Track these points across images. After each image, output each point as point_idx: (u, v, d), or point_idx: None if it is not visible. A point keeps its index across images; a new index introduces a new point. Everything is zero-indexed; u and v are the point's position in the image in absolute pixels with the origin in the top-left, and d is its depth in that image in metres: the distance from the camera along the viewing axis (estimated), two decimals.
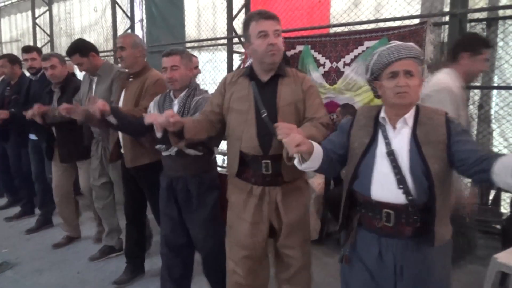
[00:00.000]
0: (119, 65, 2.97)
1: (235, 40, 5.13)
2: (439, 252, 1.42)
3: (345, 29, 3.92)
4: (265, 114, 1.77)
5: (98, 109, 2.14)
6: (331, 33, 4.11)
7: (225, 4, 5.21)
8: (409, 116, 1.42)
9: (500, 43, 3.33)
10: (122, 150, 2.59)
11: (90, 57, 2.81)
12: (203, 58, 5.80)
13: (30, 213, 4.16)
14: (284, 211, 1.86)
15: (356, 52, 3.73)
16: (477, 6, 3.29)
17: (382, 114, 1.47)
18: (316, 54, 3.96)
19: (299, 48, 4.09)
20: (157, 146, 2.23)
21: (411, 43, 1.42)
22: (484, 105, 3.45)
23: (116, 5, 6.73)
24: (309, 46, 3.97)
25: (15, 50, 10.27)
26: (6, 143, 4.05)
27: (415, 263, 1.40)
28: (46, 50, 9.16)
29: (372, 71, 1.46)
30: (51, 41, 8.78)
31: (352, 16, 3.98)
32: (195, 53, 6.20)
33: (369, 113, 1.52)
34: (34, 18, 8.82)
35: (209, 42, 5.80)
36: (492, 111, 3.45)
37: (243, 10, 5.04)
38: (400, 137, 1.42)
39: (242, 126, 1.82)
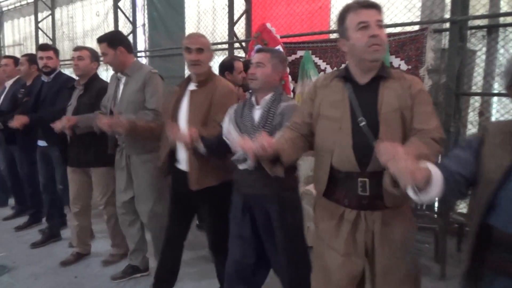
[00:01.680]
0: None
1: (236, 45, 5.15)
2: None
3: None
4: (363, 123, 1.49)
5: (190, 137, 2.01)
6: (332, 39, 4.10)
7: (225, 9, 5.24)
8: None
9: (501, 50, 3.32)
10: (179, 166, 2.34)
11: (117, 51, 2.58)
12: None
13: (38, 222, 4.01)
14: (381, 244, 1.53)
15: None
16: (477, 13, 3.28)
17: None
18: (317, 60, 3.97)
19: (300, 53, 4.09)
20: (234, 158, 1.98)
21: None
22: (484, 112, 3.43)
23: (119, 10, 6.75)
24: (310, 52, 3.97)
25: (18, 54, 10.30)
26: (13, 146, 3.86)
27: None
28: None
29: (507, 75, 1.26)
30: (53, 45, 8.81)
31: None
32: None
33: (506, 128, 1.26)
34: (37, 22, 8.87)
35: None
36: (493, 118, 3.43)
37: (244, 15, 5.07)
38: None
39: (334, 136, 1.54)
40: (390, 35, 3.63)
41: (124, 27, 6.91)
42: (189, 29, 6.06)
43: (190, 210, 2.46)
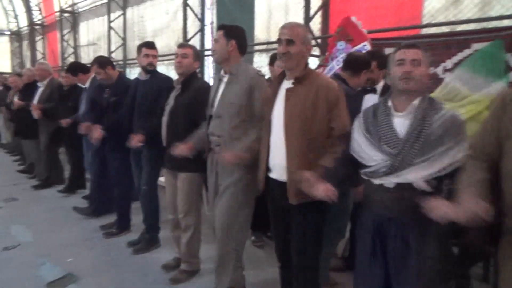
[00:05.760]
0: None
1: (312, 42, 4.78)
2: None
3: (445, 29, 3.40)
4: None
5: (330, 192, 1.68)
6: (425, 34, 3.60)
7: (300, 4, 4.88)
8: None
9: None
10: (271, 176, 2.10)
11: (229, 43, 2.38)
12: None
13: (127, 228, 3.86)
14: None
15: (460, 55, 3.19)
16: None
17: None
18: None
19: (388, 51, 3.62)
20: (367, 171, 1.68)
21: None
22: None
23: (188, 8, 6.67)
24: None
25: (91, 53, 10.73)
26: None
27: None
28: (119, 52, 9.44)
29: None
30: (124, 44, 9.01)
31: (456, 13, 3.42)
32: (263, 56, 5.94)
33: None
34: (109, 22, 9.13)
35: None
36: None
37: (321, 10, 4.68)
38: None
39: None
40: (501, 29, 3.07)
41: (193, 25, 6.82)
42: (259, 26, 5.80)
43: (288, 224, 2.12)
